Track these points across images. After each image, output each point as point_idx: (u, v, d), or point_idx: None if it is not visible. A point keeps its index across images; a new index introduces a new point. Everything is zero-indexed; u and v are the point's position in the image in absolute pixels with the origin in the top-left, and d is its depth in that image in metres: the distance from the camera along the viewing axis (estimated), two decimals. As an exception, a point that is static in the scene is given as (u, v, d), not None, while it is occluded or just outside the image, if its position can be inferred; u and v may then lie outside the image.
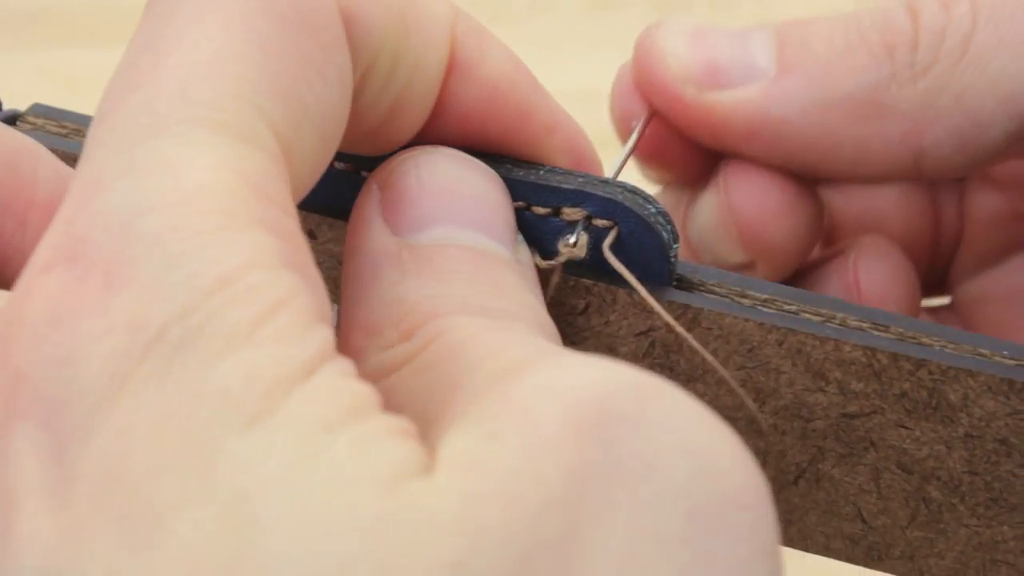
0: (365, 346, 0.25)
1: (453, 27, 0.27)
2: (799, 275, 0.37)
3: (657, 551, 0.20)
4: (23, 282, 0.21)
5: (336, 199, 0.28)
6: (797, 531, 0.30)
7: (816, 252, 0.39)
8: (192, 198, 0.21)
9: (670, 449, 0.20)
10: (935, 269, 0.41)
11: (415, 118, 0.27)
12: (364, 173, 0.28)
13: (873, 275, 0.37)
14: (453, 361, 0.23)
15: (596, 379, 0.21)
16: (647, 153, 0.37)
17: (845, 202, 0.40)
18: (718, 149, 0.35)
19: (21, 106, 0.32)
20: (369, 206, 0.27)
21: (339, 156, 0.28)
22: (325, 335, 0.21)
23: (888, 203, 0.40)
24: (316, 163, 0.24)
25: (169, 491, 0.19)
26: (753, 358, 0.29)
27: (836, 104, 0.33)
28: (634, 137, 0.35)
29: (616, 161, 0.33)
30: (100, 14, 0.70)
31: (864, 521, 0.30)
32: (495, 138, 0.28)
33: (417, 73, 0.26)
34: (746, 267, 0.36)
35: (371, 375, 0.24)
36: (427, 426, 0.22)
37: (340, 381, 0.21)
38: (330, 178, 0.27)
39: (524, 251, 0.28)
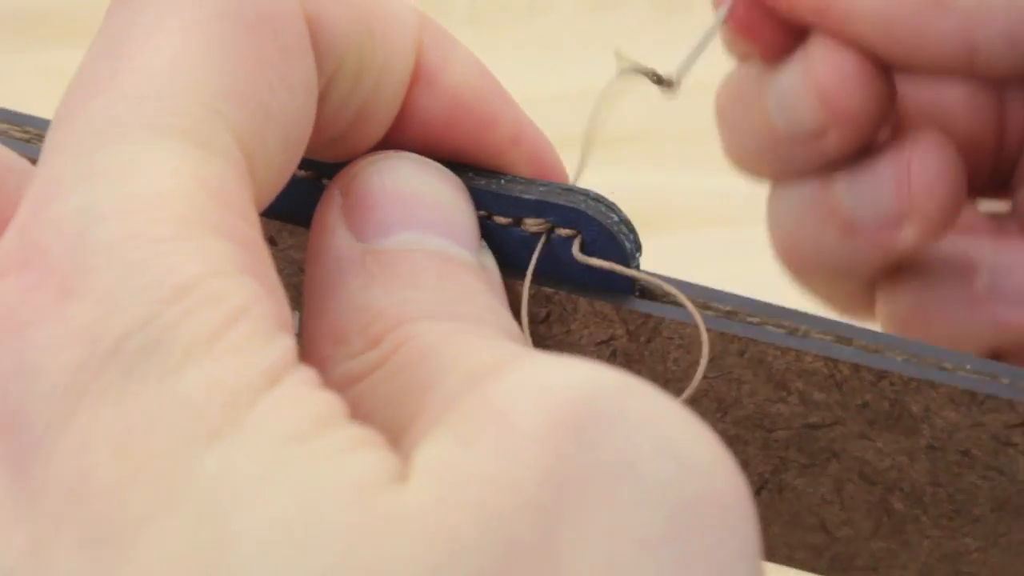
0: (331, 355, 0.24)
1: (419, 34, 0.27)
2: (860, 156, 0.40)
3: (638, 553, 0.19)
4: None
5: (297, 206, 0.28)
6: (760, 542, 0.30)
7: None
8: (149, 205, 0.21)
9: (650, 449, 0.20)
10: (998, 172, 0.42)
11: (379, 125, 0.27)
12: (325, 181, 0.28)
13: (925, 168, 0.39)
14: (423, 365, 0.23)
15: (572, 379, 0.21)
16: (737, 27, 0.40)
17: (913, 93, 0.42)
18: (795, 22, 0.39)
19: (21, 106, 0.32)
20: (331, 212, 0.26)
21: (301, 163, 0.28)
22: (287, 344, 0.21)
23: (954, 101, 0.42)
24: (280, 169, 0.24)
25: (134, 507, 0.19)
26: (715, 368, 0.29)
27: None
28: (723, 12, 0.39)
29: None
30: (100, 14, 0.70)
31: (827, 532, 0.30)
32: (459, 146, 0.28)
33: (382, 80, 0.26)
34: (818, 136, 0.39)
35: (338, 383, 0.24)
36: (399, 433, 0.22)
37: (305, 390, 0.20)
38: (291, 185, 0.27)
39: (489, 258, 0.28)
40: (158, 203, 0.21)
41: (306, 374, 0.21)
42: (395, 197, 0.26)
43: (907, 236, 0.40)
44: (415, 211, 0.26)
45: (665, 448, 0.20)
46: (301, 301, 0.26)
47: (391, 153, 0.27)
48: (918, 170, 0.39)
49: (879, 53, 0.38)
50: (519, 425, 0.20)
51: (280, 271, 0.25)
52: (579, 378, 0.21)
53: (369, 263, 0.25)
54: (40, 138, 0.30)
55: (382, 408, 0.23)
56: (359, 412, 0.22)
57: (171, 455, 0.19)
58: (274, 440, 0.19)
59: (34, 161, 0.29)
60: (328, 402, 0.21)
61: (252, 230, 0.22)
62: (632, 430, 0.20)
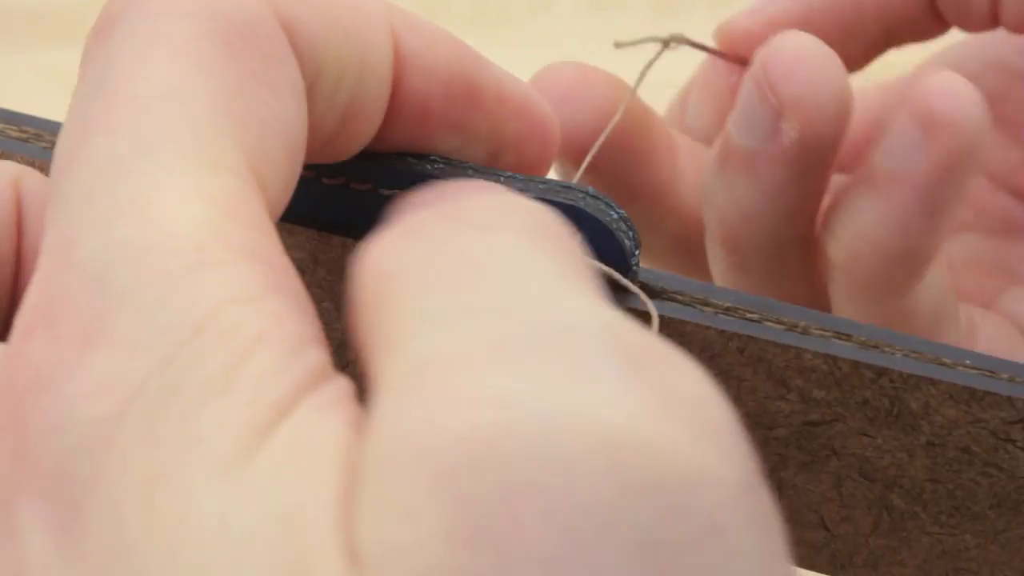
0: (351, 293, 0.23)
1: (390, 22, 0.27)
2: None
3: None
4: (8, 350, 0.21)
5: (297, 205, 0.28)
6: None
7: None
8: (161, 239, 0.20)
9: (616, 493, 0.17)
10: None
11: (371, 119, 0.27)
12: (325, 180, 0.28)
13: (778, 60, 0.38)
14: (392, 303, 0.21)
15: (507, 414, 0.18)
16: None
17: None
18: None
19: (21, 106, 0.32)
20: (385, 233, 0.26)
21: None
22: (312, 359, 0.20)
23: None
24: (287, 177, 0.24)
25: (157, 560, 0.19)
26: (714, 365, 0.29)
27: None
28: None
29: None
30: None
31: (827, 529, 0.30)
32: (452, 121, 0.28)
33: (364, 74, 0.26)
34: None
35: (351, 310, 0.22)
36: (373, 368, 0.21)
37: (315, 420, 0.20)
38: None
39: None
40: (171, 234, 0.21)
41: (328, 393, 0.20)
42: (433, 192, 0.25)
43: (790, 132, 0.38)
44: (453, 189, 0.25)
45: (636, 482, 0.17)
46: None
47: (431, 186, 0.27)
48: (772, 64, 0.38)
49: None
50: (459, 491, 0.17)
51: None
52: (518, 408, 0.18)
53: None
54: (38, 137, 0.30)
55: (368, 337, 0.21)
56: (362, 335, 0.21)
57: (184, 503, 0.19)
58: (265, 485, 0.19)
59: (31, 161, 0.29)
60: (332, 429, 0.20)
61: (271, 243, 0.22)
62: (591, 472, 0.17)
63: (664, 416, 0.18)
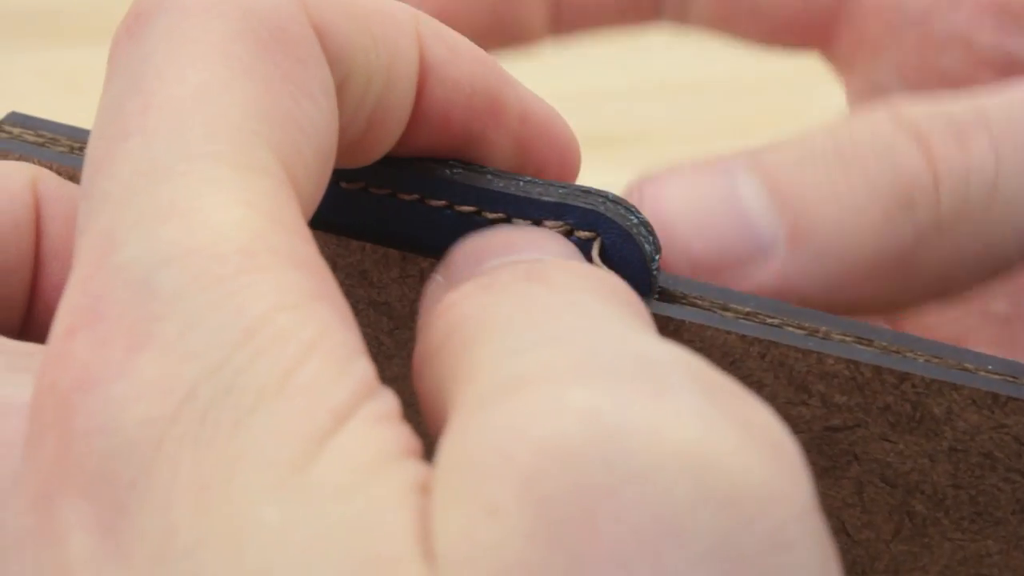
0: (421, 345, 0.24)
1: (417, 30, 0.27)
2: None
3: None
4: (51, 349, 0.21)
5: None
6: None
7: None
8: (208, 242, 0.20)
9: (691, 502, 0.18)
10: None
11: (395, 126, 0.27)
12: (343, 184, 0.28)
13: None
14: (473, 345, 0.22)
15: (588, 425, 0.19)
16: None
17: None
18: None
19: (21, 106, 0.32)
20: (432, 289, 0.26)
21: None
22: (362, 370, 0.20)
23: None
24: (318, 180, 0.24)
25: (207, 569, 0.19)
26: (735, 371, 0.29)
27: (858, 269, 0.31)
28: None
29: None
30: (100, 14, 0.69)
31: (848, 535, 0.30)
32: (474, 135, 0.28)
33: (391, 81, 0.26)
34: None
35: (419, 361, 0.23)
36: (447, 407, 0.21)
37: (370, 430, 0.20)
38: None
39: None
40: (217, 238, 0.20)
41: (382, 403, 0.20)
42: (483, 246, 0.26)
43: None
44: (505, 246, 0.26)
45: (709, 493, 0.18)
46: None
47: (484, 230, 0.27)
48: None
49: None
50: (539, 492, 0.18)
51: None
52: (599, 420, 0.19)
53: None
54: (55, 142, 0.30)
55: (442, 384, 0.22)
56: (430, 389, 0.22)
57: (241, 509, 0.19)
58: (330, 492, 0.19)
59: (48, 165, 0.29)
60: (388, 439, 0.20)
61: (311, 249, 0.22)
62: (667, 482, 0.18)
63: (736, 435, 0.19)
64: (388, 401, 0.21)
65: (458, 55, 0.27)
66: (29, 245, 0.28)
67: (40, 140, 0.30)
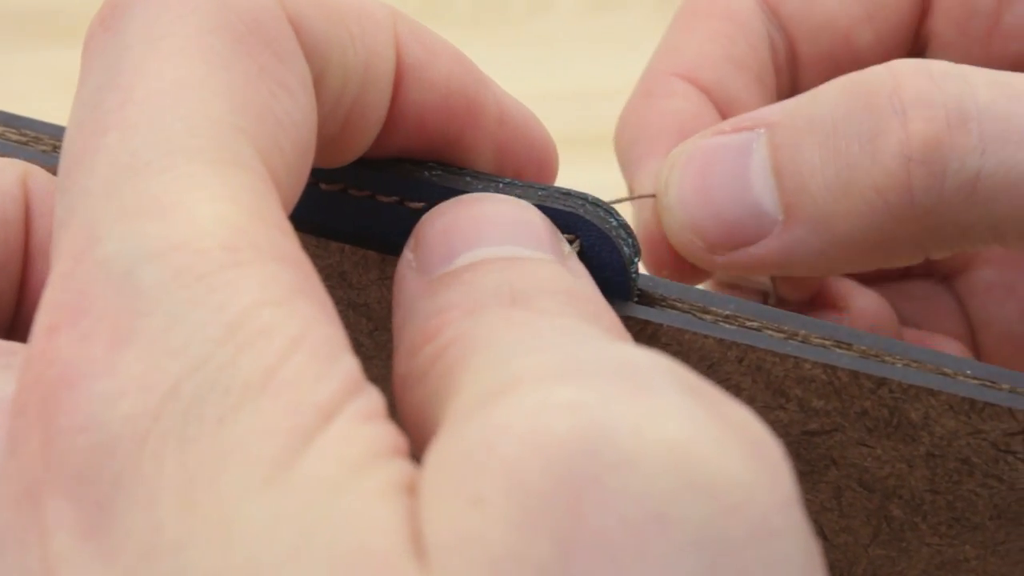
0: (400, 364, 0.24)
1: (395, 29, 0.26)
2: None
3: None
4: (33, 345, 0.21)
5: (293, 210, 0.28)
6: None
7: None
8: (190, 238, 0.20)
9: (675, 489, 0.18)
10: None
11: (371, 125, 0.27)
12: (323, 186, 0.28)
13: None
14: (460, 366, 0.22)
15: (576, 418, 0.19)
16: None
17: None
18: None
19: (21, 106, 0.32)
20: (403, 267, 0.26)
21: None
22: (347, 366, 0.20)
23: None
24: (298, 175, 0.24)
25: (197, 565, 0.19)
26: (713, 374, 0.28)
27: (845, 245, 0.32)
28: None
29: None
30: (100, 14, 0.70)
31: (826, 539, 0.30)
32: (451, 136, 0.28)
33: (368, 78, 0.26)
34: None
35: (402, 384, 0.23)
36: (433, 432, 0.21)
37: (357, 427, 0.20)
38: None
39: (577, 264, 0.27)
40: (199, 233, 0.20)
41: (366, 400, 0.20)
42: (455, 228, 0.26)
43: None
44: (476, 232, 0.26)
45: (693, 482, 0.18)
46: None
47: (452, 199, 0.27)
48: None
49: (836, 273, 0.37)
50: (525, 482, 0.19)
51: None
52: (583, 414, 0.19)
53: (435, 285, 0.25)
54: (38, 140, 0.30)
55: (429, 405, 0.22)
56: (417, 415, 0.22)
57: (228, 505, 0.19)
58: (317, 488, 0.19)
59: (32, 163, 0.29)
60: (376, 437, 0.20)
61: (293, 243, 0.22)
62: (651, 471, 0.18)
63: (717, 428, 0.19)
64: (374, 399, 0.20)
65: (436, 56, 0.27)
66: (18, 241, 0.28)
67: (23, 139, 0.30)
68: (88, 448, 0.19)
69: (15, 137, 0.30)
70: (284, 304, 0.20)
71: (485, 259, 0.25)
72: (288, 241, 0.21)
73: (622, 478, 0.18)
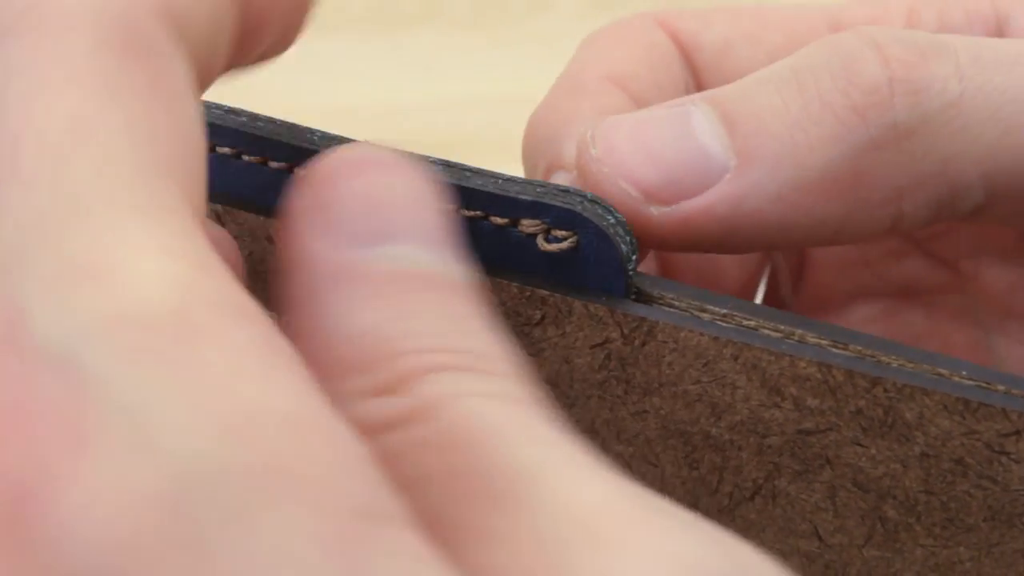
0: (342, 386, 0.21)
1: None
2: None
3: None
4: None
5: (245, 191, 0.28)
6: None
7: None
8: (133, 305, 0.18)
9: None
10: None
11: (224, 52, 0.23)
12: (273, 164, 0.28)
13: None
14: (478, 460, 0.20)
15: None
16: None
17: None
18: (695, 251, 0.32)
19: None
20: (302, 218, 0.23)
21: (251, 148, 0.28)
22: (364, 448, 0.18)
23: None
24: (204, 183, 0.21)
25: None
26: (708, 372, 0.29)
27: (811, 182, 0.30)
28: None
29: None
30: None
31: (820, 539, 0.30)
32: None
33: (220, 33, 0.22)
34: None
35: (361, 425, 0.20)
36: (448, 526, 0.19)
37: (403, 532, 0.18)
38: (240, 170, 0.27)
39: (461, 263, 0.24)
40: (143, 298, 0.18)
41: (395, 500, 0.18)
42: (386, 204, 0.23)
43: None
44: (410, 221, 0.23)
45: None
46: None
47: (361, 148, 0.23)
48: None
49: (796, 244, 0.32)
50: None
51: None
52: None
53: (353, 280, 0.22)
54: None
55: (424, 483, 0.20)
56: (393, 471, 0.19)
57: None
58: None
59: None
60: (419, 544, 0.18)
61: (238, 289, 0.19)
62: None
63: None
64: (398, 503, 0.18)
65: None
66: None
67: None
68: (67, 567, 0.17)
69: None
70: (262, 380, 0.18)
71: (414, 268, 0.22)
72: (233, 288, 0.19)
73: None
